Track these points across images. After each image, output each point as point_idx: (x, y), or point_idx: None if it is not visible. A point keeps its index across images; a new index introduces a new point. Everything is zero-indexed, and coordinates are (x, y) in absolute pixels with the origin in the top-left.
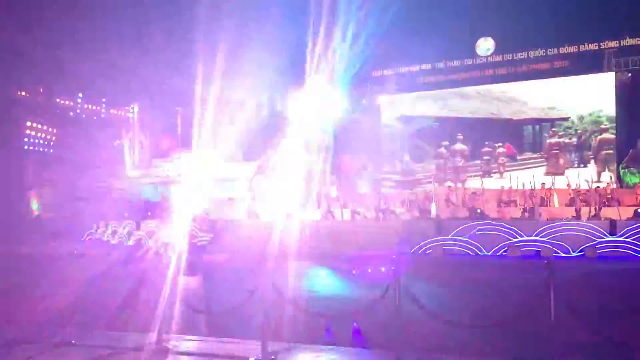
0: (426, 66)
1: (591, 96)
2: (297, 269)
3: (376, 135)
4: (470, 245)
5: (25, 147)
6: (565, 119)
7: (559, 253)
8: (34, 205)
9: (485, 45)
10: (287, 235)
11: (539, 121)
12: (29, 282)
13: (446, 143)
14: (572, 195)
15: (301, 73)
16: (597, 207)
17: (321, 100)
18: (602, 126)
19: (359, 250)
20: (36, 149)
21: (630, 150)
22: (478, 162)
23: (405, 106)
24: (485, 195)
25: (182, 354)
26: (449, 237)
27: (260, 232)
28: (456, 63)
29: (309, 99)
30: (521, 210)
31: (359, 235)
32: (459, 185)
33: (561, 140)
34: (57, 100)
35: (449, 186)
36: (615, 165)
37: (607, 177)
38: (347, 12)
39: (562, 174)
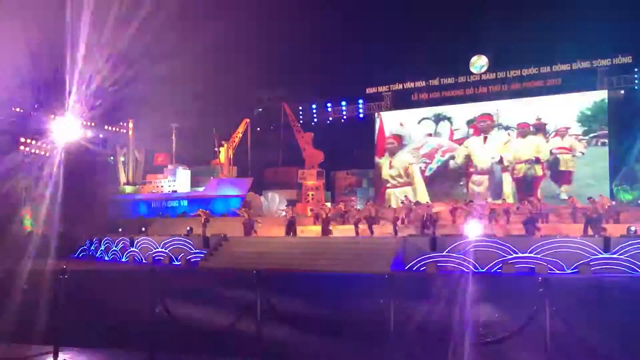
0: (420, 83)
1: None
2: (292, 286)
3: (370, 152)
4: (465, 262)
5: (20, 163)
6: None
7: (553, 270)
8: (27, 221)
9: (479, 63)
10: (283, 250)
11: None
12: (20, 299)
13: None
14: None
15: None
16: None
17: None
18: None
19: (354, 266)
20: (30, 164)
21: (623, 168)
22: None
23: (399, 123)
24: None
25: None
26: (444, 253)
27: (255, 247)
28: (450, 80)
29: (302, 116)
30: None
31: (354, 252)
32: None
33: None
34: (52, 116)
35: (456, 200)
36: (608, 182)
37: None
38: (339, 29)
39: None
